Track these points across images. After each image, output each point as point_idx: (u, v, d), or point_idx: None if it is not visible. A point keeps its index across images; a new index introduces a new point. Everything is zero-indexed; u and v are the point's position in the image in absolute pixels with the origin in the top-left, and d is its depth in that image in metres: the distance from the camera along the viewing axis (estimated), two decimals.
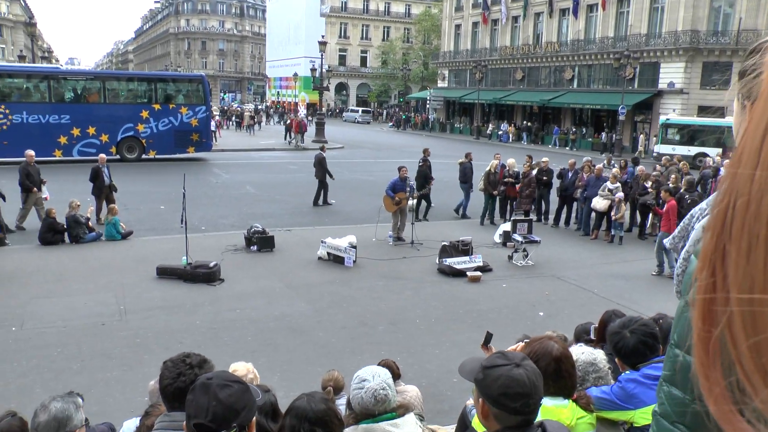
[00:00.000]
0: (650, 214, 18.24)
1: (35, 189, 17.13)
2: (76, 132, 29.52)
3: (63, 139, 29.21)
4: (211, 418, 2.43)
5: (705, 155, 35.18)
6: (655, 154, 39.82)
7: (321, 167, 21.76)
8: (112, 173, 18.73)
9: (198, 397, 2.49)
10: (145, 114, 30.84)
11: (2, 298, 11.71)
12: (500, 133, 59.08)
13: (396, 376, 5.23)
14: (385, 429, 3.63)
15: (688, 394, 1.69)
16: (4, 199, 16.49)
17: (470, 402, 4.70)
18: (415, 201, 18.63)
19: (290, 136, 47.21)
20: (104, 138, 30.10)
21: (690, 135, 39.99)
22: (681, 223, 2.27)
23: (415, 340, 10.17)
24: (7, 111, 27.90)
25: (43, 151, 28.32)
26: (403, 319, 11.11)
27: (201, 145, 32.59)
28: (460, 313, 11.49)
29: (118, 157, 29.63)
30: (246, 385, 2.60)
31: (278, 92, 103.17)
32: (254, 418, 2.60)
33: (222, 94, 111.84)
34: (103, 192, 18.10)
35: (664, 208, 14.80)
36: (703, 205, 2.10)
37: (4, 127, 27.25)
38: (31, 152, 17.96)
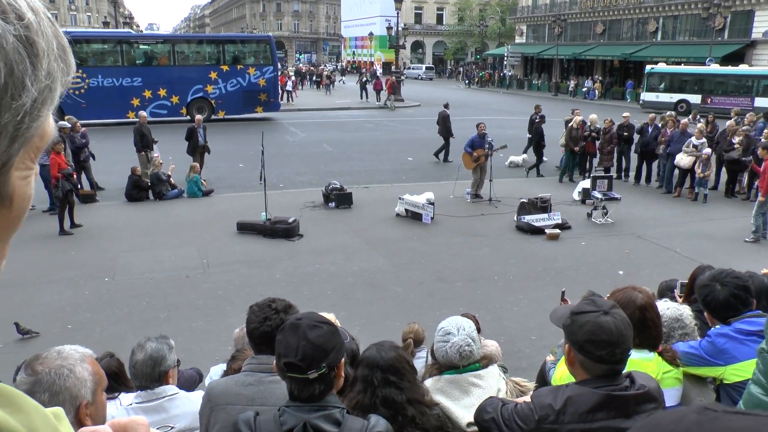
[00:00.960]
0: (745, 173, 17.38)
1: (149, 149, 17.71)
2: (147, 94, 30.22)
3: (135, 101, 29.89)
4: (300, 357, 2.47)
5: (686, 101, 40.03)
6: (641, 102, 43.46)
7: (444, 125, 21.77)
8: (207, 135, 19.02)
9: (288, 337, 2.53)
10: (213, 75, 31.26)
11: (95, 251, 12.25)
12: (584, 89, 56.51)
13: (477, 331, 5.19)
14: (469, 380, 3.61)
15: None
16: (93, 158, 17.13)
17: (549, 358, 4.65)
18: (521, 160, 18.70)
19: (366, 96, 47.18)
20: (175, 99, 30.78)
21: (672, 83, 42.23)
22: None
23: (494, 297, 10.13)
24: (84, 75, 28.69)
25: (117, 112, 29.35)
26: (481, 276, 11.07)
27: (269, 104, 32.84)
28: (538, 271, 11.37)
29: (188, 117, 30.23)
30: (335, 327, 2.62)
31: (353, 52, 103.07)
32: (342, 360, 2.63)
33: (297, 55, 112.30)
34: (197, 151, 18.50)
35: (762, 167, 13.93)
36: None
37: (82, 90, 28.01)
38: (144, 113, 18.68)
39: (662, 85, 42.59)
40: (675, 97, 41.18)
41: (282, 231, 13.02)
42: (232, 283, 10.57)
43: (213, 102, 31.51)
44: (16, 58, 0.65)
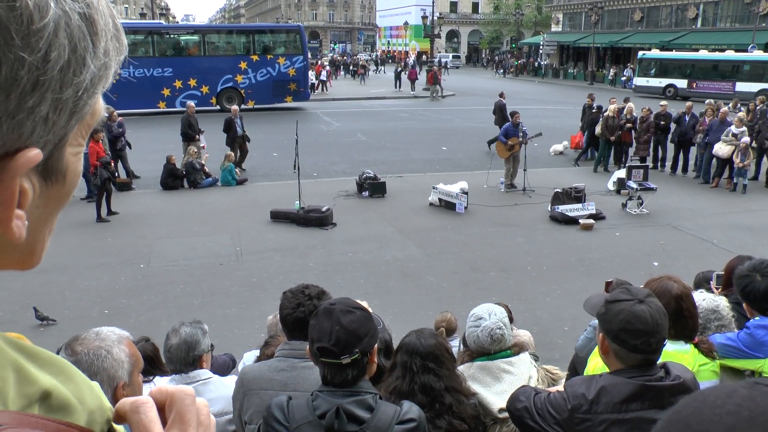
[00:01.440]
0: None
1: (197, 137, 17.83)
2: (178, 84, 30.39)
3: (166, 91, 30.19)
4: (334, 342, 2.48)
5: (673, 86, 42.32)
6: (633, 86, 45.69)
7: (501, 114, 21.69)
8: (244, 124, 19.06)
9: (321, 322, 2.54)
10: (243, 65, 31.30)
11: (131, 237, 12.43)
12: (624, 78, 54.86)
13: (509, 320, 5.17)
14: (501, 367, 3.61)
15: None
16: (130, 146, 17.37)
17: None
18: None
19: (399, 85, 47.05)
20: (205, 89, 30.85)
21: (661, 68, 43.90)
22: None
23: (527, 287, 10.08)
24: None
25: (148, 102, 29.59)
26: (514, 266, 11.02)
27: (298, 94, 32.74)
28: (572, 261, 11.27)
29: (218, 107, 30.33)
30: (368, 313, 2.63)
31: (388, 41, 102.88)
32: (376, 346, 2.64)
33: (332, 45, 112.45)
34: (236, 142, 18.58)
35: None
36: None
37: (114, 81, 28.30)
38: (191, 103, 18.74)
39: (653, 71, 44.18)
40: (664, 82, 42.98)
41: (315, 219, 13.07)
42: (266, 270, 10.65)
43: (243, 92, 31.57)
44: (79, 35, 0.66)
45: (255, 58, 31.53)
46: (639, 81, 44.86)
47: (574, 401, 2.60)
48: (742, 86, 38.23)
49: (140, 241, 12.22)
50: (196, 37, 32.11)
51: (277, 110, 31.87)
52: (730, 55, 41.53)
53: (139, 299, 9.45)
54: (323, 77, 45.66)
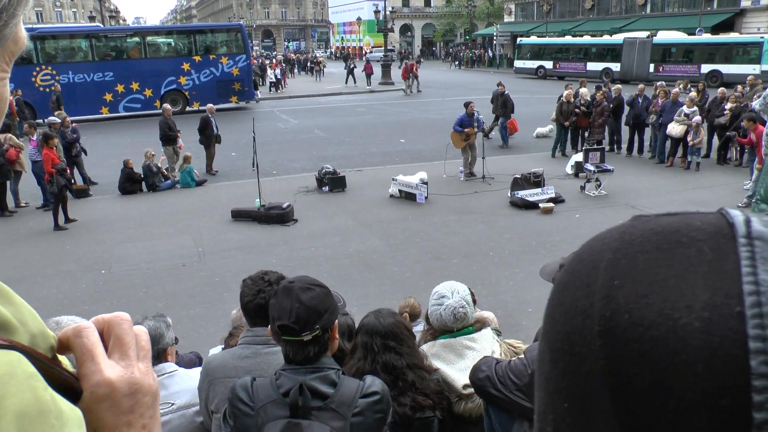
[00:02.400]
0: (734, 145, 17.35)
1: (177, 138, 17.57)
2: (120, 88, 29.85)
3: (108, 96, 29.65)
4: (294, 319, 2.49)
5: (542, 67, 50.25)
6: (515, 68, 53.72)
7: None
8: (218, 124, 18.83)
9: (281, 300, 2.55)
10: (186, 66, 30.84)
11: (91, 244, 12.26)
12: None
13: (473, 302, 5.21)
14: (464, 344, 3.67)
15: None
16: (85, 153, 17.10)
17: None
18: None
19: (354, 81, 46.90)
20: (148, 93, 30.35)
21: (533, 52, 51.84)
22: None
23: (490, 272, 10.19)
24: (54, 72, 28.37)
25: (90, 109, 29.03)
26: (477, 252, 11.12)
27: (243, 93, 32.39)
28: (534, 245, 11.42)
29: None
30: (327, 289, 2.64)
31: (342, 38, 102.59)
32: (336, 322, 2.66)
33: (286, 43, 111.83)
34: (212, 141, 18.31)
35: (747, 138, 13.92)
36: None
37: (53, 87, 27.77)
38: (168, 107, 18.37)
39: (528, 54, 52.21)
40: (536, 64, 51.10)
41: (277, 216, 13.05)
42: (229, 269, 10.60)
43: (187, 93, 31.07)
44: None
45: (197, 58, 31.06)
46: (518, 63, 53.11)
47: (534, 365, 2.65)
48: (591, 66, 45.64)
49: (100, 246, 12.06)
50: (136, 39, 31.48)
51: (232, 110, 31.59)
52: (581, 39, 49.98)
53: (101, 305, 9.33)
54: (279, 75, 45.43)
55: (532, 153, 19.85)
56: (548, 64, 49.93)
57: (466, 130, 16.17)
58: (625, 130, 19.26)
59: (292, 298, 2.52)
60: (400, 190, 14.61)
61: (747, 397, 0.44)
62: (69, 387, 0.76)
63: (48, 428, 0.66)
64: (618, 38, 45.40)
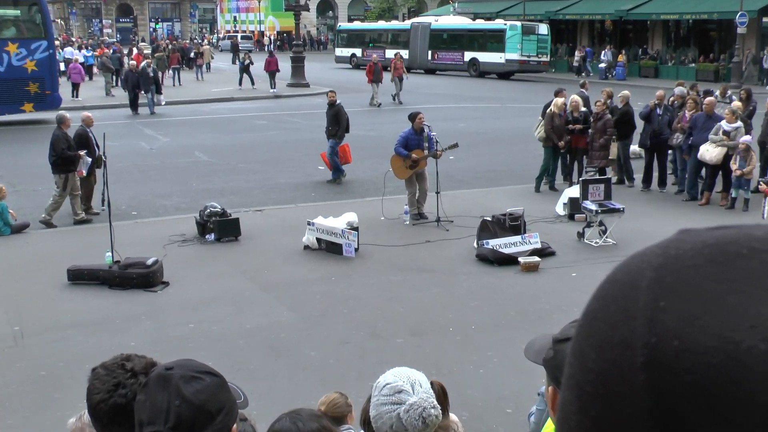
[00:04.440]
0: None
1: None
2: None
3: None
4: (173, 423, 2.36)
5: (355, 55, 64.66)
6: (335, 57, 69.02)
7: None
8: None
9: (154, 395, 2.43)
10: None
11: None
12: (602, 65, 55.79)
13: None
14: None
15: None
16: None
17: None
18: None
19: (252, 82, 46.37)
20: None
21: (349, 39, 67.75)
22: None
23: (450, 356, 10.21)
24: None
25: None
26: (430, 328, 11.17)
27: (42, 99, 30.68)
28: (512, 316, 11.53)
29: None
30: (221, 379, 2.56)
31: (234, 17, 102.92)
32: (235, 427, 2.56)
33: (152, 25, 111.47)
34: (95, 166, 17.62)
35: None
36: None
37: None
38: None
39: (344, 42, 67.94)
40: (349, 51, 66.24)
41: (137, 278, 12.86)
42: (61, 358, 10.30)
43: None
44: None
45: None
46: (337, 51, 68.87)
47: None
48: (390, 52, 56.19)
49: None
50: None
51: (27, 124, 30.91)
52: (378, 24, 69.73)
53: None
54: (150, 73, 44.86)
55: (506, 185, 20.10)
56: (358, 52, 64.89)
57: (413, 153, 16.22)
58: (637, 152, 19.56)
59: (171, 392, 2.40)
60: (318, 239, 14.61)
61: None
62: None
63: None
64: (407, 24, 63.97)
